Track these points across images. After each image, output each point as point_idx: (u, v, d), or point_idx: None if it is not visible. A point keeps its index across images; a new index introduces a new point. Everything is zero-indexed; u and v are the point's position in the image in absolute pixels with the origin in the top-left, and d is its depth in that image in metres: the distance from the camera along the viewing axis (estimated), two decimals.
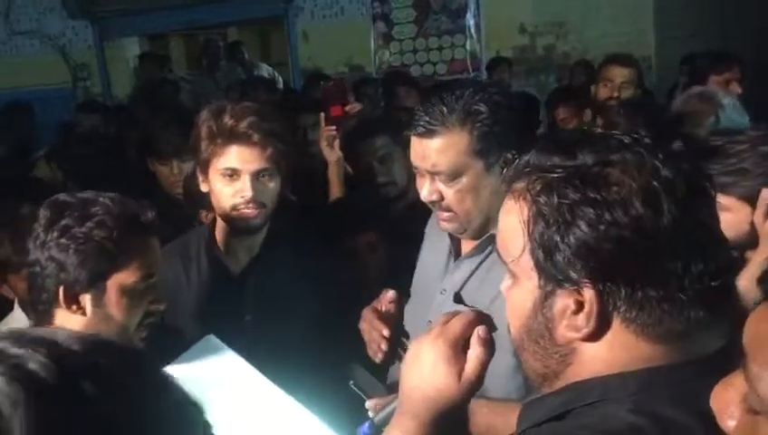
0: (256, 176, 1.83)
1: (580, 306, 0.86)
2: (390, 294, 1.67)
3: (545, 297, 0.89)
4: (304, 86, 5.49)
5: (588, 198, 0.83)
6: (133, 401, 0.64)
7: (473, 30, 6.45)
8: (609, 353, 0.87)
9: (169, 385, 0.71)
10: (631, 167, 0.84)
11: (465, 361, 1.04)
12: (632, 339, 0.86)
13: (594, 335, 0.87)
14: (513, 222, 0.91)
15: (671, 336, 0.86)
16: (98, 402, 0.60)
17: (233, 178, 1.83)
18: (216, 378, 1.56)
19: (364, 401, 1.54)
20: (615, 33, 5.90)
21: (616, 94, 3.62)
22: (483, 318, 1.07)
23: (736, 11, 5.56)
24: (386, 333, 1.67)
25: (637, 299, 0.84)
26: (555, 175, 0.86)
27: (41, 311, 1.48)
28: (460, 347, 1.04)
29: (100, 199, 1.45)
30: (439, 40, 6.53)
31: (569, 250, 0.84)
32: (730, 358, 0.83)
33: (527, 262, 0.90)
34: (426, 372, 1.04)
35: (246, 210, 1.84)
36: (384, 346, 1.67)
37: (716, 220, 0.90)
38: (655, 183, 0.83)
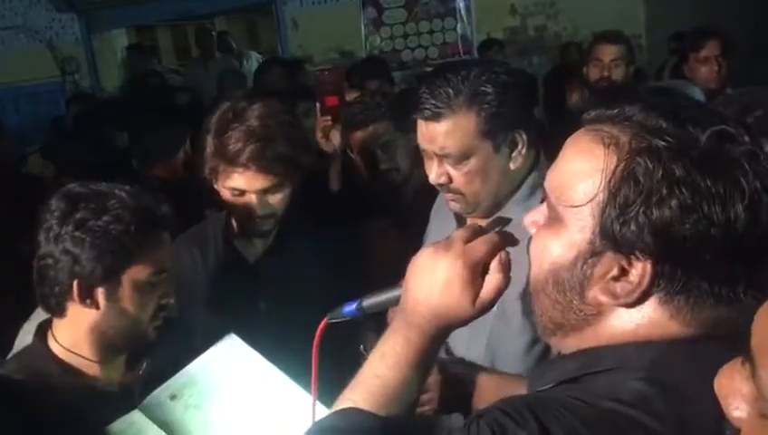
0: (262, 193, 1.83)
1: (622, 273, 0.83)
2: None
3: (591, 254, 0.84)
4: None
5: (691, 182, 0.77)
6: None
7: (463, 12, 6.43)
8: (635, 325, 0.85)
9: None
10: (743, 162, 0.79)
11: (481, 284, 0.98)
12: (665, 317, 0.84)
13: (628, 305, 0.84)
14: (589, 167, 0.84)
15: (705, 321, 0.84)
16: None
17: (239, 196, 1.84)
18: (239, 380, 1.53)
19: None
20: (605, 11, 5.89)
21: (606, 74, 3.50)
22: (506, 240, 1.01)
23: None
24: None
25: (687, 287, 0.81)
26: (664, 143, 0.79)
27: (52, 304, 1.45)
28: (479, 271, 0.98)
29: (116, 192, 1.42)
30: (430, 24, 6.51)
31: (647, 223, 0.79)
32: None
33: (588, 214, 0.84)
34: (438, 288, 0.98)
35: (254, 222, 1.87)
36: None
37: None
38: (761, 188, 0.78)
